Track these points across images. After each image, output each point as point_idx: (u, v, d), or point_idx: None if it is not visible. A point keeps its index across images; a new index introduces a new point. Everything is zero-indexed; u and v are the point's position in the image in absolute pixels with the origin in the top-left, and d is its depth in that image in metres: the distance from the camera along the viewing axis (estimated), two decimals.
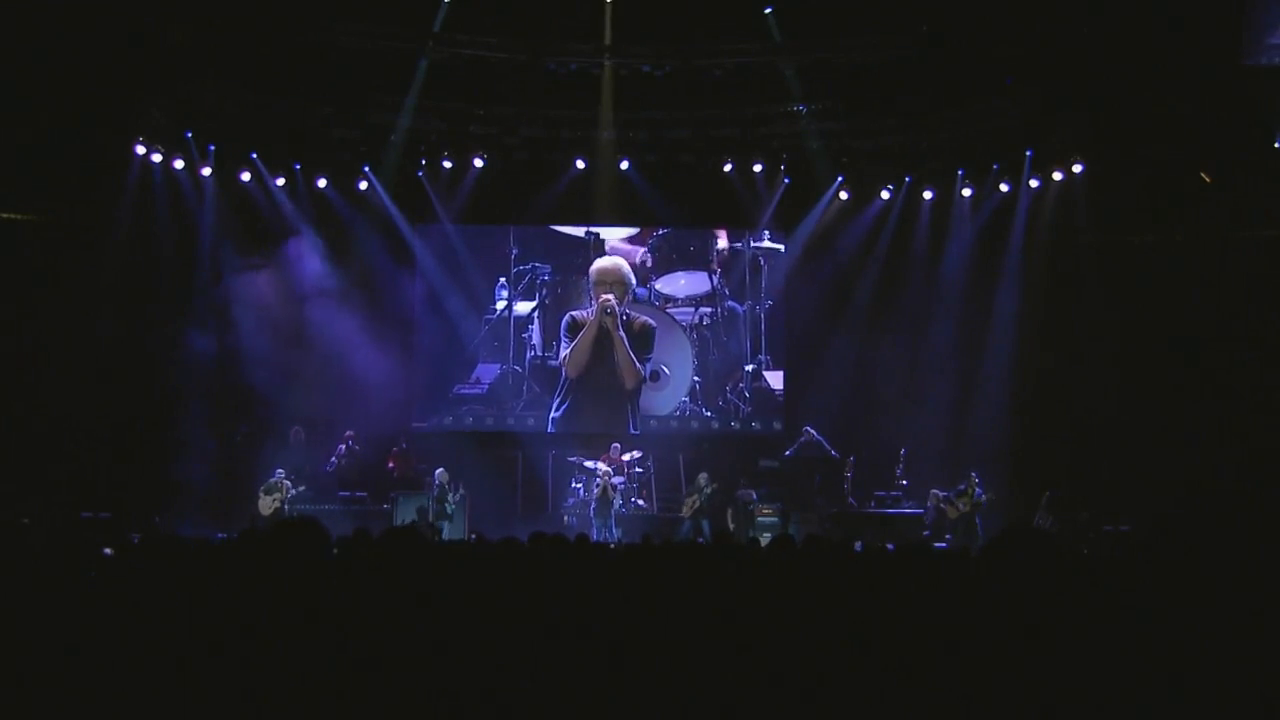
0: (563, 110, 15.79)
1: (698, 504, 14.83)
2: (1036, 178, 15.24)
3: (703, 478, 14.99)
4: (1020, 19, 13.25)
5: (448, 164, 15.98)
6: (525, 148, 16.21)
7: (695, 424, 16.99)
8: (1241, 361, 13.46)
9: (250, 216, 15.88)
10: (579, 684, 3.08)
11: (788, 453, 15.81)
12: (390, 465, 15.58)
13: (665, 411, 17.08)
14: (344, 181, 16.05)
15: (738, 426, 17.02)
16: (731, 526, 14.65)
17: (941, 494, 14.54)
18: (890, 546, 7.54)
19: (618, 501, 15.03)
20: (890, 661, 2.92)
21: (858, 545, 8.55)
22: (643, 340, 16.89)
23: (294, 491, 14.38)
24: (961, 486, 14.43)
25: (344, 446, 15.54)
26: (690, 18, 14.43)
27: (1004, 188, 15.57)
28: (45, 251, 14.51)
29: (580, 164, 16.07)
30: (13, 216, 14.52)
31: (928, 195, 16.13)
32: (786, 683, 3.09)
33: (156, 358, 15.24)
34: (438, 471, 14.74)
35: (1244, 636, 2.41)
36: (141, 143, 14.68)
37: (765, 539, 10.83)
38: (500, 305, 17.00)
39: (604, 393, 16.79)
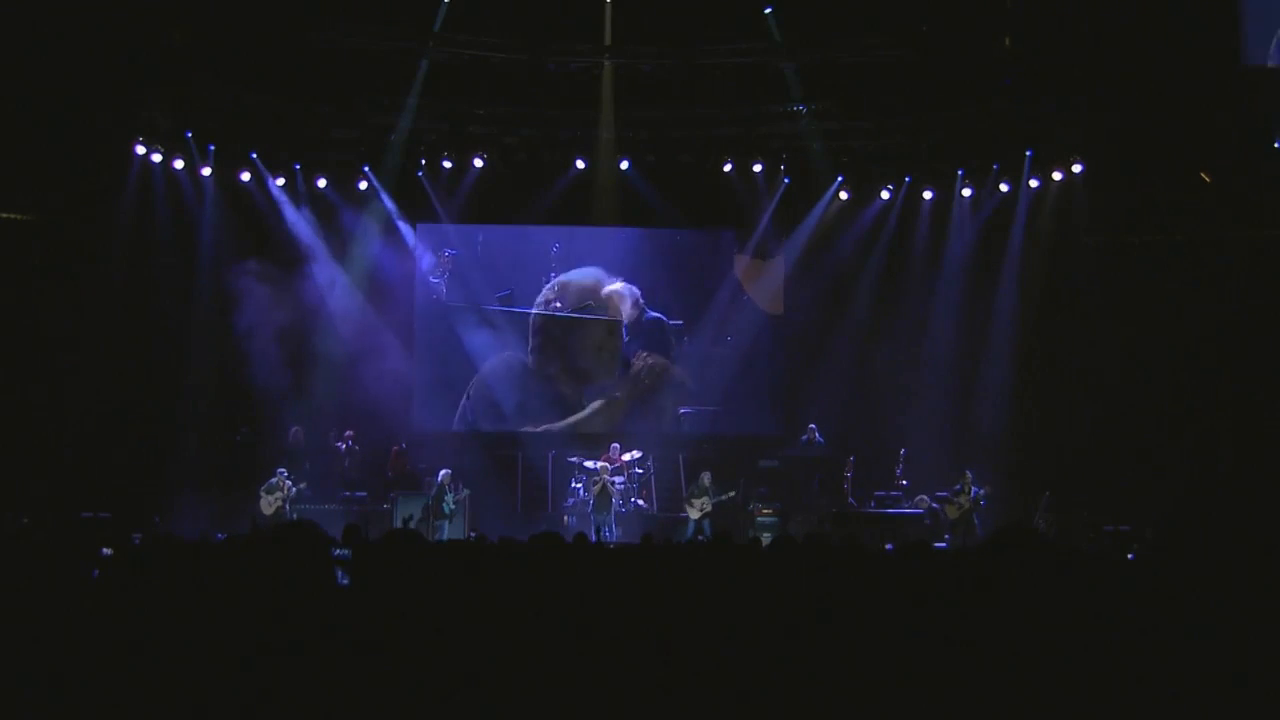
0: (563, 110, 15.79)
1: (708, 508, 14.67)
2: (1036, 178, 15.23)
3: (706, 477, 14.91)
4: (1021, 19, 13.27)
5: (448, 164, 15.96)
6: (525, 148, 16.21)
7: (695, 422, 16.98)
8: (1241, 362, 13.46)
9: (250, 216, 15.87)
10: (578, 684, 3.08)
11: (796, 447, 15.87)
12: (390, 465, 15.58)
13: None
14: (344, 181, 16.05)
15: (737, 425, 17.00)
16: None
17: (938, 496, 14.50)
18: (890, 546, 7.56)
19: (617, 501, 15.00)
20: (889, 661, 2.93)
21: None
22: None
23: (294, 491, 14.37)
24: (958, 486, 14.43)
25: (344, 446, 15.54)
26: (690, 18, 14.44)
27: (1004, 188, 15.56)
28: (45, 251, 14.51)
29: (580, 164, 16.06)
30: (13, 216, 14.52)
31: (928, 195, 16.11)
32: (787, 682, 3.10)
33: (156, 357, 15.24)
34: (442, 472, 14.68)
35: (1244, 637, 2.42)
36: (141, 143, 14.68)
37: (765, 539, 10.83)
38: (500, 301, 17.06)
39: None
